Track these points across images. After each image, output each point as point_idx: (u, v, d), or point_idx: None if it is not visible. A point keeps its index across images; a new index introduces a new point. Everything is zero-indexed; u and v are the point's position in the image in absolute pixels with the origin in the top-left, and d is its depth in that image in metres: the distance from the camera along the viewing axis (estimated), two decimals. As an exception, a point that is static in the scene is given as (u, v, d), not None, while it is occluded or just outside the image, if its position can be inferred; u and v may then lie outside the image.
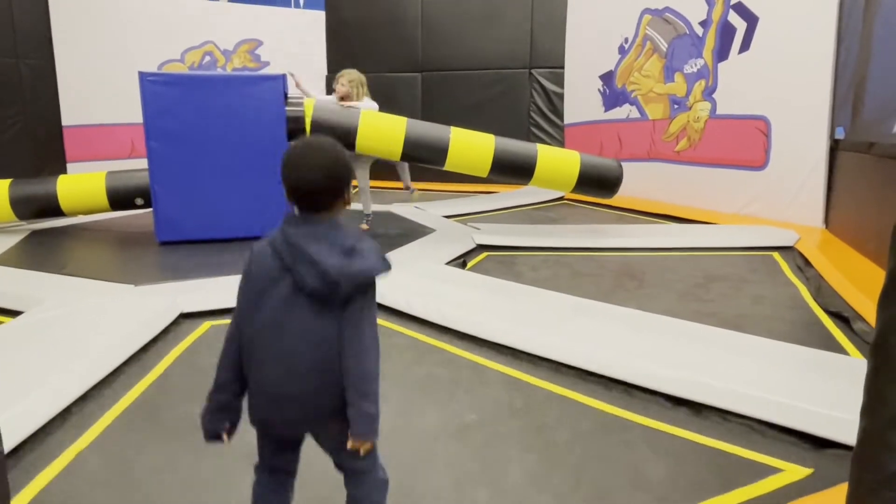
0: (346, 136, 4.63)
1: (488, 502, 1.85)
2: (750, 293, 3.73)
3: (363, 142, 4.76)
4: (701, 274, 4.16)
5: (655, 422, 2.24)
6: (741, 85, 5.86)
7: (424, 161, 5.01)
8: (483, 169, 4.95)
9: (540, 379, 2.60)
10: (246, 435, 2.20)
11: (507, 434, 2.21)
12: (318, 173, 1.41)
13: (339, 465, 1.56)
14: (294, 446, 1.60)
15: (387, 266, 1.42)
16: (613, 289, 3.89)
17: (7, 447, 1.94)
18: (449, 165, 4.96)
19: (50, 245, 4.99)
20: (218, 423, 1.52)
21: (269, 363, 1.42)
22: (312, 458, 1.61)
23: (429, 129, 4.92)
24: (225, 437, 1.53)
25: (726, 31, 5.94)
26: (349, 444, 1.41)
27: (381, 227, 5.42)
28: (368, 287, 1.41)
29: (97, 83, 7.35)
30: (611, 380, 2.52)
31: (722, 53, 6.02)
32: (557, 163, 5.02)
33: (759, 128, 5.72)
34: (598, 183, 5.09)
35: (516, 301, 3.40)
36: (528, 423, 2.27)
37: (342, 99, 5.01)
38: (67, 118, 7.32)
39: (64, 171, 7.12)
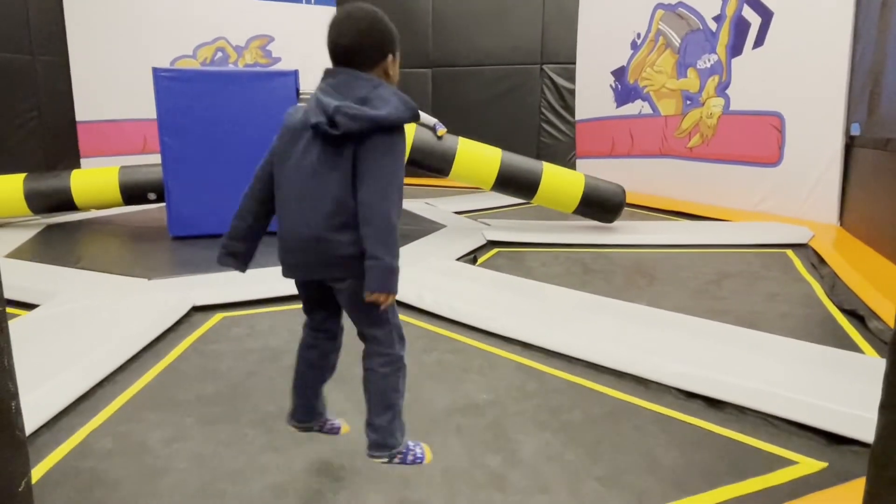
0: None
1: (501, 467, 1.88)
2: (763, 291, 3.70)
3: None
4: (713, 271, 4.13)
5: (669, 410, 2.25)
6: (755, 81, 5.80)
7: (430, 169, 5.04)
8: (487, 182, 4.98)
9: (552, 368, 2.61)
10: (259, 405, 2.25)
11: (519, 413, 2.23)
12: (353, 36, 1.51)
13: (360, 334, 1.65)
14: (319, 302, 1.66)
15: (406, 111, 1.45)
16: (625, 285, 3.87)
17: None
18: (453, 176, 4.98)
19: (64, 239, 5.04)
20: (232, 248, 1.67)
21: (291, 203, 1.54)
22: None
23: (435, 139, 4.91)
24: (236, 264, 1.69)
25: (740, 27, 5.88)
26: (366, 297, 1.47)
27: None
28: (381, 131, 1.43)
29: (110, 79, 7.40)
30: (624, 373, 2.52)
31: (736, 49, 5.96)
32: (562, 183, 5.04)
33: (773, 124, 5.67)
34: (599, 207, 5.09)
35: (527, 297, 3.39)
36: (540, 405, 2.29)
37: None
38: (81, 114, 7.37)
39: (78, 165, 7.18)
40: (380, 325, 1.59)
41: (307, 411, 1.81)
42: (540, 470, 1.88)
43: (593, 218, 5.21)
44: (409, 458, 1.70)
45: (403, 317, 3.15)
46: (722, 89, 6.16)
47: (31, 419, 2.05)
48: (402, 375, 1.65)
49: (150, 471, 1.88)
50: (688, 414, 2.21)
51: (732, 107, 6.08)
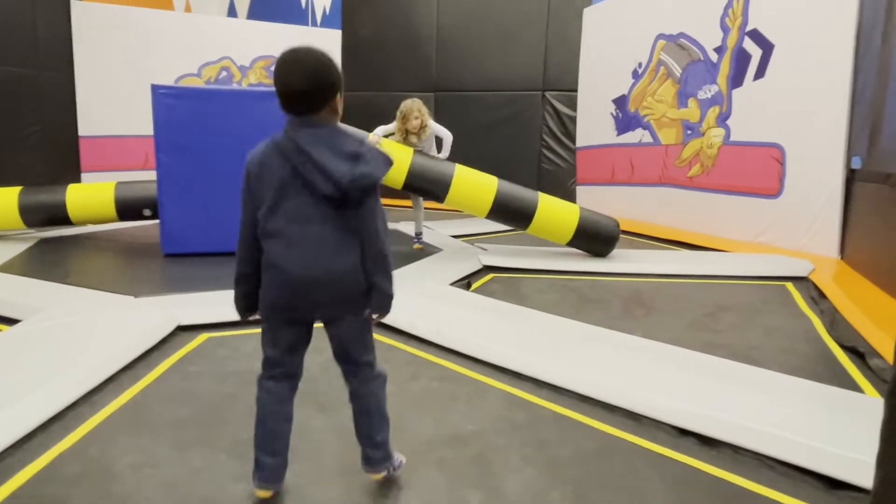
0: None
1: None
2: (761, 324, 3.62)
3: None
4: (711, 303, 4.06)
5: (661, 447, 2.16)
6: (756, 112, 5.80)
7: (424, 193, 5.03)
8: (482, 210, 4.95)
9: (542, 399, 2.52)
10: (235, 430, 2.17)
11: (505, 446, 2.14)
12: (303, 77, 1.58)
13: (342, 357, 1.75)
14: (304, 342, 1.75)
15: (389, 165, 1.63)
16: (621, 315, 3.80)
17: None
18: (449, 202, 4.94)
19: (56, 254, 5.00)
20: (245, 304, 1.74)
21: (303, 247, 1.61)
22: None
23: (433, 164, 4.89)
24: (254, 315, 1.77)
25: (741, 58, 5.90)
26: (376, 318, 1.71)
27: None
28: (375, 186, 1.62)
29: (114, 95, 7.43)
30: (616, 406, 2.43)
31: (736, 80, 5.97)
32: (557, 215, 5.01)
33: (774, 155, 5.64)
34: (594, 239, 5.07)
35: (520, 325, 3.32)
36: (528, 438, 2.20)
37: (408, 134, 4.86)
38: (84, 129, 7.40)
39: (78, 180, 7.18)
40: (372, 349, 1.78)
41: (283, 467, 1.78)
42: (523, 508, 1.79)
43: (587, 250, 5.17)
44: (396, 463, 1.86)
45: (392, 341, 3.12)
46: (722, 120, 6.15)
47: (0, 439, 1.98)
48: (386, 388, 1.84)
49: (115, 500, 1.79)
50: (681, 452, 2.13)
51: (733, 137, 6.06)
